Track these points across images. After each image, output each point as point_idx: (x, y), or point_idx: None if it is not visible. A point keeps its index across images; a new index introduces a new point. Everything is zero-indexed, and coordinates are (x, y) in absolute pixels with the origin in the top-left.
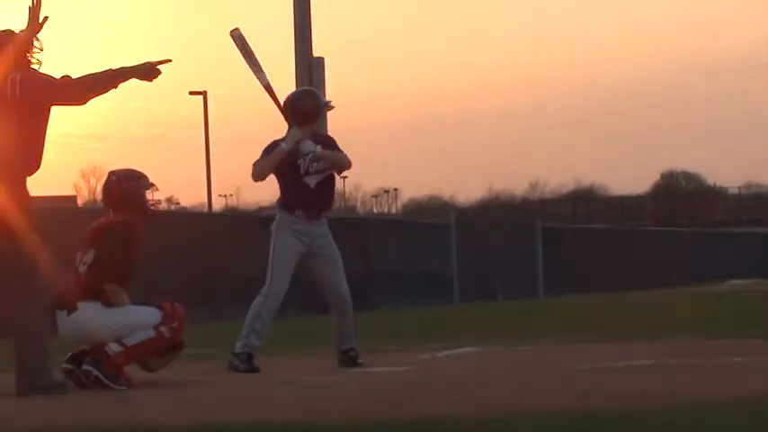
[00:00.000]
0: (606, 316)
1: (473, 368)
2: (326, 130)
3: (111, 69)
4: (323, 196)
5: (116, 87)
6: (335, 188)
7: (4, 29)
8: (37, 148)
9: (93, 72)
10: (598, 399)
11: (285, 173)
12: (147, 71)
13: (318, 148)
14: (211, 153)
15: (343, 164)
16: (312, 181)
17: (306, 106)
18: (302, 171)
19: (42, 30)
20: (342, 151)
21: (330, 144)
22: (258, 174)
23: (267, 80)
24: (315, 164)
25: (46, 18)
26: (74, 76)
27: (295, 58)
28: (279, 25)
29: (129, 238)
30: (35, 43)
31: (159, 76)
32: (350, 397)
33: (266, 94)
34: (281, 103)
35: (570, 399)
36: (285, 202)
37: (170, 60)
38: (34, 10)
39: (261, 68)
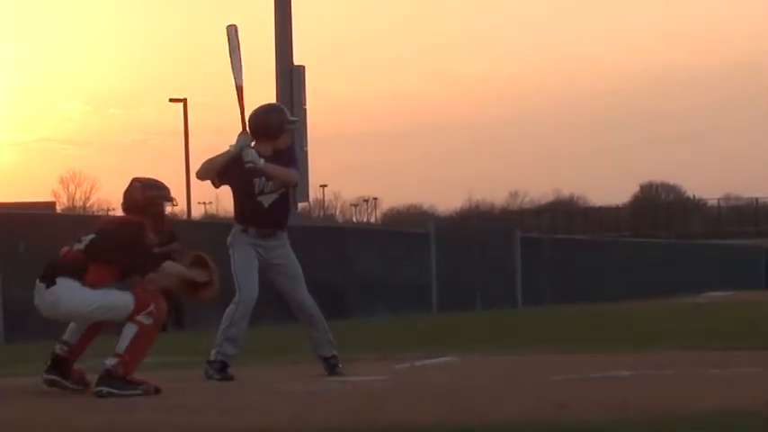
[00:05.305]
0: (584, 326)
1: (451, 378)
2: (304, 140)
3: None
4: (276, 216)
5: None
6: (290, 206)
7: None
8: None
9: None
10: (575, 410)
11: (240, 191)
12: None
13: (262, 161)
14: (191, 160)
15: (285, 180)
16: (266, 201)
17: (270, 122)
18: (256, 191)
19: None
20: (292, 167)
21: (284, 158)
22: (201, 172)
23: (242, 82)
24: (269, 184)
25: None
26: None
27: (276, 65)
28: (260, 33)
29: (138, 237)
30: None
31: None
32: (327, 405)
33: (236, 95)
34: (244, 111)
35: (547, 409)
36: (239, 220)
37: None
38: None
39: (241, 69)
